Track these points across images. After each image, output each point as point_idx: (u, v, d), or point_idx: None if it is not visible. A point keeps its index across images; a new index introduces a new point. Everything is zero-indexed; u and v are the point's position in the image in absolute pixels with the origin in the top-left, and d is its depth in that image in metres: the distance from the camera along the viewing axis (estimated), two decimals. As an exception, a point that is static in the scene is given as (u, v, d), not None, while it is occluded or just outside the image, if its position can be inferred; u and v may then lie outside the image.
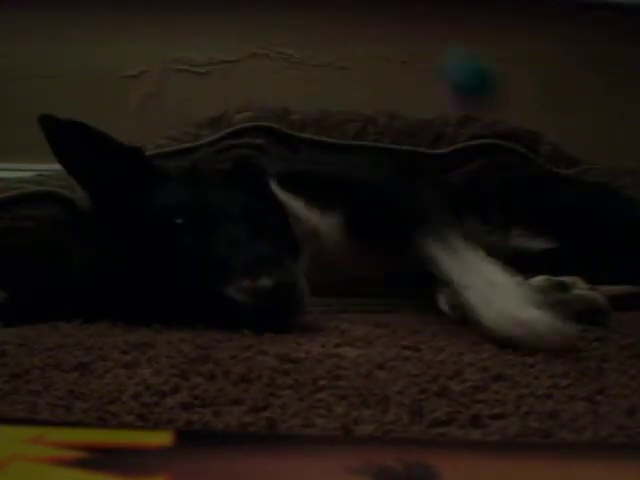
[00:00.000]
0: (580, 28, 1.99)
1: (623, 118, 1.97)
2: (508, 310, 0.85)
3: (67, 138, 1.03)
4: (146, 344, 0.87)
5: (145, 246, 1.00)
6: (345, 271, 1.15)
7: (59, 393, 0.67)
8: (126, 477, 0.43)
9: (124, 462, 0.45)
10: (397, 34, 1.97)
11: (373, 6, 1.95)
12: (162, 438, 0.48)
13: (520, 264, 0.93)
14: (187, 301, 0.96)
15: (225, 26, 1.93)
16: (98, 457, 0.45)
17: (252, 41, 1.94)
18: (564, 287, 0.97)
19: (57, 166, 1.07)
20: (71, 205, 1.29)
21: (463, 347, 0.87)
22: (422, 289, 1.10)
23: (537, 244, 1.20)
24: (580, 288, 0.98)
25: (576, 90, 1.99)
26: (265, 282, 0.92)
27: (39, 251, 1.26)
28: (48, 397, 0.66)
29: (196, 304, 0.96)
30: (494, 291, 0.88)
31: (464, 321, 0.94)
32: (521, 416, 0.63)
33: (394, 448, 0.51)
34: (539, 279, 0.98)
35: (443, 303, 1.05)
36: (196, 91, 1.91)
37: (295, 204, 1.15)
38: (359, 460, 0.45)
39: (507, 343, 0.84)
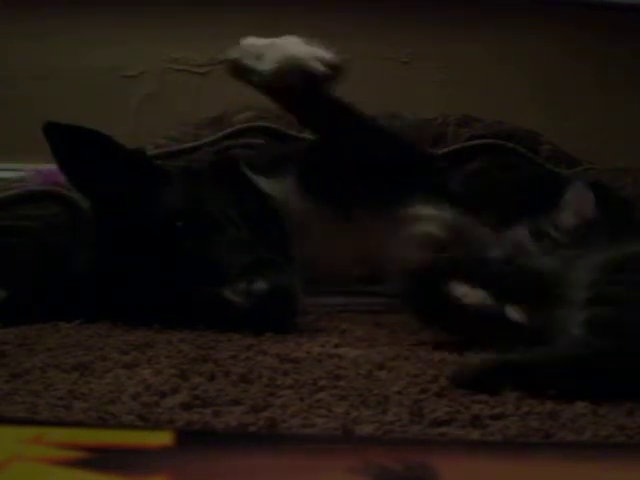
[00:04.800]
0: (580, 28, 1.99)
1: (623, 118, 1.97)
2: None
3: (71, 145, 1.03)
4: (146, 344, 0.87)
5: (145, 247, 1.00)
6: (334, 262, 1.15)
7: (59, 393, 0.67)
8: (126, 477, 0.43)
9: (124, 462, 0.45)
10: (397, 34, 1.97)
11: (373, 6, 1.95)
12: (162, 438, 0.48)
13: None
14: (186, 303, 0.96)
15: (225, 26, 1.93)
16: (98, 457, 0.45)
17: (252, 41, 1.93)
18: None
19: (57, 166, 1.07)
20: (71, 204, 1.29)
21: (463, 347, 0.87)
22: None
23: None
24: None
25: (576, 90, 1.99)
26: (260, 285, 0.93)
27: (39, 251, 1.26)
28: (48, 397, 0.66)
29: (195, 306, 0.96)
30: None
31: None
32: (521, 416, 0.63)
33: (394, 448, 0.51)
34: None
35: None
36: (196, 91, 1.91)
37: (280, 195, 1.15)
38: (359, 460, 0.45)
39: None
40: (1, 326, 0.97)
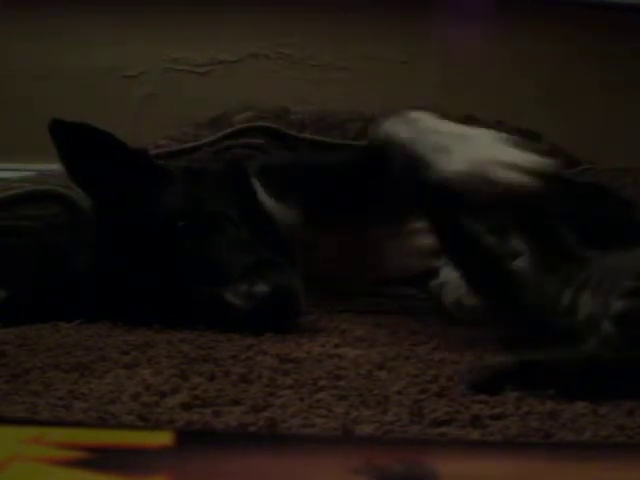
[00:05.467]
0: (580, 28, 1.99)
1: (623, 118, 1.97)
2: None
3: (75, 143, 1.04)
4: (146, 344, 0.87)
5: (146, 247, 1.00)
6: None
7: (59, 393, 0.67)
8: (126, 477, 0.43)
9: (124, 462, 0.45)
10: (397, 34, 1.97)
11: (373, 6, 1.95)
12: (162, 438, 0.48)
13: None
14: (186, 303, 0.96)
15: (225, 26, 1.93)
16: (98, 457, 0.45)
17: (252, 41, 1.94)
18: None
19: (57, 166, 1.08)
20: (71, 204, 1.29)
21: (463, 347, 0.87)
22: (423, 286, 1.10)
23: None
24: None
25: (576, 90, 1.99)
26: (262, 287, 0.93)
27: (39, 251, 1.26)
28: (48, 397, 0.66)
29: (195, 307, 0.96)
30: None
31: (465, 319, 0.94)
32: (521, 416, 0.63)
33: (394, 448, 0.51)
34: None
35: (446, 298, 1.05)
36: (196, 91, 1.91)
37: (270, 204, 1.15)
38: (359, 460, 0.45)
39: None
40: (1, 326, 0.97)
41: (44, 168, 1.36)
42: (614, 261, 0.81)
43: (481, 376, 0.70)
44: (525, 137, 1.61)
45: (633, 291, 0.72)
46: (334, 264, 1.14)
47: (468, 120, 1.62)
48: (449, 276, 1.01)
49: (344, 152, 1.36)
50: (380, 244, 1.15)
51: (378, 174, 1.08)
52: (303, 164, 1.25)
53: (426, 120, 0.93)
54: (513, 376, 0.69)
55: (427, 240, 1.10)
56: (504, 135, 0.88)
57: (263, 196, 1.14)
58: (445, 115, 0.93)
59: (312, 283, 1.01)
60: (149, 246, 1.00)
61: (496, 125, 1.63)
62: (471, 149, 0.85)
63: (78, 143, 1.04)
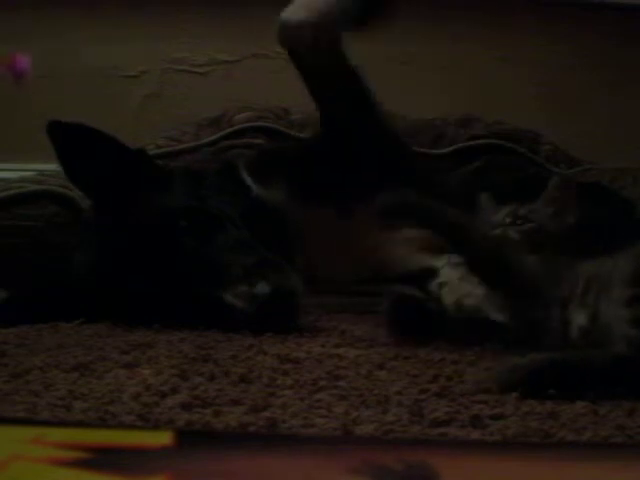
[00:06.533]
0: (580, 28, 1.99)
1: (623, 118, 1.97)
2: None
3: (73, 143, 1.03)
4: (146, 344, 0.87)
5: (146, 247, 1.00)
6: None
7: (59, 393, 0.68)
8: (126, 477, 0.43)
9: (124, 462, 0.45)
10: (397, 34, 1.97)
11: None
12: (162, 438, 0.48)
13: None
14: (186, 304, 0.96)
15: (225, 26, 1.93)
16: (98, 457, 0.45)
17: (252, 41, 1.93)
18: None
19: (57, 166, 1.07)
20: (71, 204, 1.29)
21: (463, 347, 0.87)
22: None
23: None
24: None
25: (576, 90, 1.99)
26: (262, 288, 0.93)
27: (39, 251, 1.26)
28: (48, 397, 0.66)
29: (195, 307, 0.96)
30: None
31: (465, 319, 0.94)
32: (521, 416, 0.63)
33: (394, 448, 0.51)
34: None
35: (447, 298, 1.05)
36: (196, 91, 1.91)
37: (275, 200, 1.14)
38: (359, 460, 0.45)
39: None
40: (1, 326, 0.97)
41: (44, 168, 1.36)
42: (600, 267, 0.81)
43: (514, 376, 0.70)
44: (525, 137, 1.61)
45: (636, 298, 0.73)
46: (318, 256, 1.13)
47: (466, 120, 1.63)
48: (449, 276, 1.01)
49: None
50: (376, 234, 1.14)
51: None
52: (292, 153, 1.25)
53: None
54: (550, 377, 0.69)
55: (418, 234, 1.10)
56: None
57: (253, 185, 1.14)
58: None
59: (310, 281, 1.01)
60: (149, 246, 1.00)
61: (496, 125, 1.63)
62: None
63: (76, 144, 1.04)
